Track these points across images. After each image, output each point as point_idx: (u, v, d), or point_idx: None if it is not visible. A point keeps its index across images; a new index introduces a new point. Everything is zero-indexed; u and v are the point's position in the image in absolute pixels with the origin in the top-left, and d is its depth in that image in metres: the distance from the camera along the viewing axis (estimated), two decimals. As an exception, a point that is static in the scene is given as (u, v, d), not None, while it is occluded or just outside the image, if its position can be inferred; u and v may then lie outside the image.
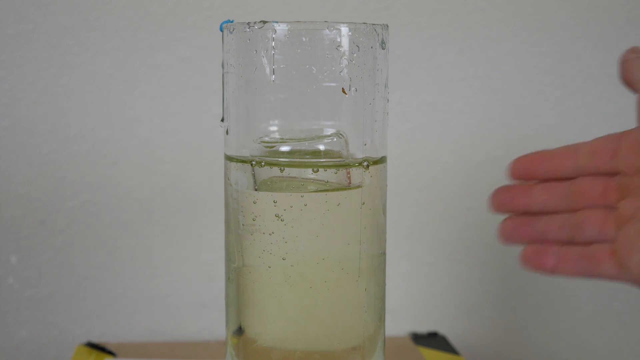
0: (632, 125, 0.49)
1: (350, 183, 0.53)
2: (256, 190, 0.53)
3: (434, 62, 0.83)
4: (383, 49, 0.54)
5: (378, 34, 0.53)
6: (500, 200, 0.52)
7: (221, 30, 0.54)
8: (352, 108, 0.53)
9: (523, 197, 0.51)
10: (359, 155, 0.53)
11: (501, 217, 0.52)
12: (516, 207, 0.52)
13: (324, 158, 0.53)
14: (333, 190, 0.53)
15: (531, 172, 0.51)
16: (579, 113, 0.84)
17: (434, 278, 0.85)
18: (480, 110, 0.83)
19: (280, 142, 0.53)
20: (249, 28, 0.51)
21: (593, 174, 0.50)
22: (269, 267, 0.53)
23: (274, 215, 0.52)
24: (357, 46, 0.52)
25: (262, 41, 0.51)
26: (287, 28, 0.51)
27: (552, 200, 0.51)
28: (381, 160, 0.55)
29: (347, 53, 0.51)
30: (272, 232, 0.52)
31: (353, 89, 0.52)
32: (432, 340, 0.81)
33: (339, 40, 0.51)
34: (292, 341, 0.54)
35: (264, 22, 0.51)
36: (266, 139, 0.53)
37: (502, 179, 0.87)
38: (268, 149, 0.53)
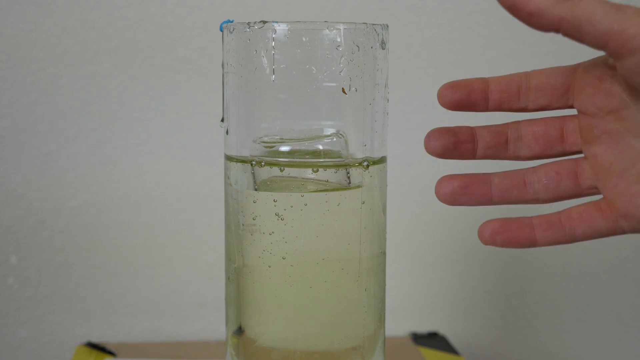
0: None
1: (350, 183, 0.53)
2: (256, 190, 0.53)
3: (434, 62, 0.83)
4: (383, 49, 0.54)
5: (378, 34, 0.53)
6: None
7: (221, 30, 0.54)
8: (352, 108, 0.53)
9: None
10: (359, 155, 0.53)
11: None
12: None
13: (324, 158, 0.53)
14: (333, 190, 0.53)
15: (470, 103, 0.49)
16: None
17: (433, 278, 0.85)
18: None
19: (280, 142, 0.53)
20: (249, 28, 0.51)
21: (540, 109, 0.49)
22: (269, 267, 0.53)
23: (274, 215, 0.52)
24: (357, 46, 0.52)
25: (262, 41, 0.51)
26: (287, 28, 0.51)
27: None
28: (381, 160, 0.55)
29: (347, 53, 0.51)
30: (272, 232, 0.52)
31: (353, 89, 0.52)
32: (432, 340, 0.81)
33: (339, 40, 0.51)
34: (292, 341, 0.54)
35: (264, 22, 0.51)
36: (266, 139, 0.53)
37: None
38: (268, 149, 0.53)
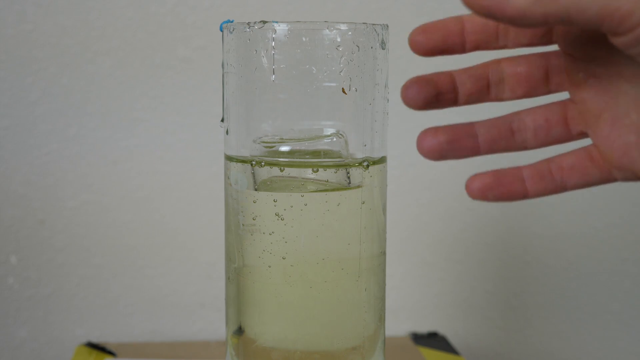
0: None
1: (350, 183, 0.53)
2: (256, 190, 0.53)
3: (434, 62, 0.83)
4: (383, 49, 0.54)
5: (378, 34, 0.53)
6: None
7: (221, 30, 0.54)
8: (352, 108, 0.53)
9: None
10: (359, 155, 0.53)
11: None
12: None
13: (324, 158, 0.53)
14: (333, 190, 0.53)
15: (446, 48, 0.45)
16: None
17: (434, 278, 0.85)
18: (481, 110, 0.83)
19: (280, 142, 0.53)
20: (249, 28, 0.51)
21: (521, 47, 0.46)
22: (269, 267, 0.53)
23: (274, 215, 0.52)
24: (357, 46, 0.52)
25: (262, 41, 0.51)
26: (287, 28, 0.51)
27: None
28: (381, 160, 0.55)
29: (347, 53, 0.51)
30: (272, 232, 0.52)
31: (353, 89, 0.52)
32: (432, 340, 0.81)
33: (339, 40, 0.51)
34: (292, 341, 0.54)
35: (264, 22, 0.51)
36: (266, 139, 0.53)
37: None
38: (268, 149, 0.53)
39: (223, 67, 0.54)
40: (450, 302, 0.86)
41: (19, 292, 0.81)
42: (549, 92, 0.46)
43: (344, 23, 0.51)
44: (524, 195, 0.46)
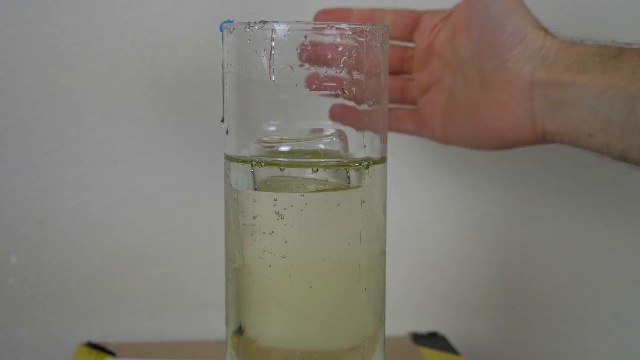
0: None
1: (350, 183, 0.53)
2: (256, 190, 0.53)
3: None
4: (383, 49, 0.54)
5: (378, 34, 0.53)
6: None
7: (221, 30, 0.54)
8: (352, 108, 0.53)
9: None
10: (359, 155, 0.53)
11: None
12: None
13: (324, 158, 0.53)
14: (333, 190, 0.53)
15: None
16: (579, 113, 0.84)
17: (434, 278, 0.85)
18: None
19: (280, 142, 0.53)
20: (249, 28, 0.52)
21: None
22: (269, 266, 0.53)
23: (274, 214, 0.52)
24: (357, 46, 0.52)
25: (262, 41, 0.51)
26: (287, 28, 0.51)
27: None
28: (381, 160, 0.55)
29: (347, 53, 0.52)
30: (272, 232, 0.52)
31: (353, 89, 0.52)
32: (432, 340, 0.81)
33: (339, 40, 0.51)
34: (292, 341, 0.54)
35: (264, 22, 0.51)
36: (266, 139, 0.53)
37: (502, 179, 0.87)
38: (268, 149, 0.53)
39: (223, 67, 0.54)
40: (450, 302, 0.86)
41: (19, 292, 0.81)
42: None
43: (344, 23, 0.51)
44: None
